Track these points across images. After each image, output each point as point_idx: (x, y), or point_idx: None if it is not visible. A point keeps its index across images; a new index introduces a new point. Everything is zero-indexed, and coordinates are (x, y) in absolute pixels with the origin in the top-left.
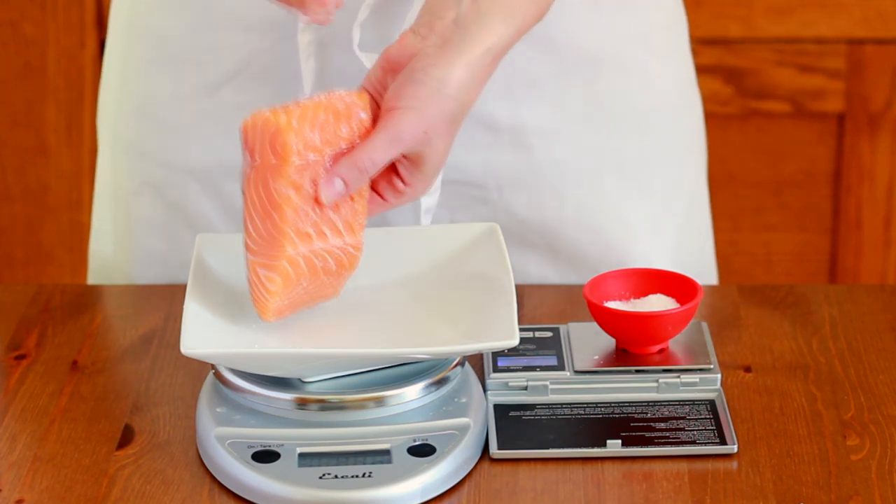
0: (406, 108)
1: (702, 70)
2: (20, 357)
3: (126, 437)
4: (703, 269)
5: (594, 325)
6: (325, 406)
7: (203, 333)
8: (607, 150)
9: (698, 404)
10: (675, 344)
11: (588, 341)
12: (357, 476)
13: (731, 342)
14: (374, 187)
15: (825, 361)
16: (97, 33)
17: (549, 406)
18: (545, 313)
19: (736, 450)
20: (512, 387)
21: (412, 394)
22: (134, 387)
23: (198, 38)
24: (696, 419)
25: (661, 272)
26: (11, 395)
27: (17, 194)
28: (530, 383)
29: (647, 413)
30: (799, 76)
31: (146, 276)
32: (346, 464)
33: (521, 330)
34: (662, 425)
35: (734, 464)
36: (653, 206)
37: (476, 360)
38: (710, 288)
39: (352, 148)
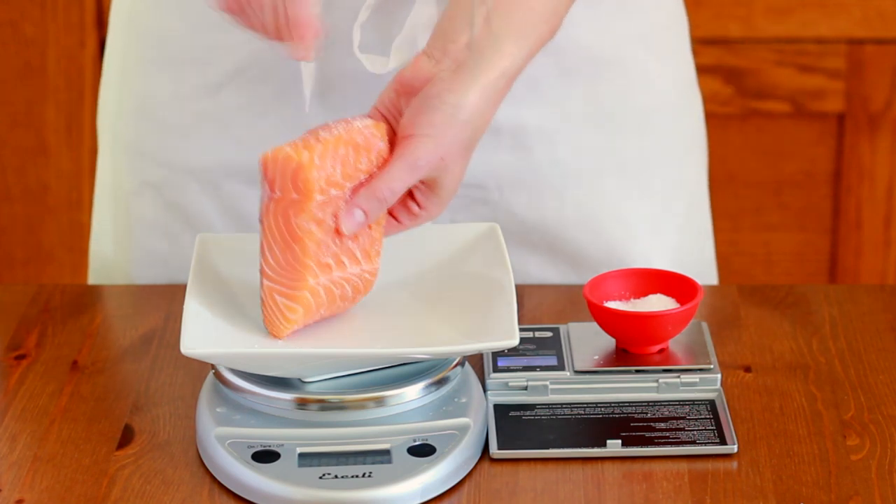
0: (422, 135)
1: (702, 70)
2: (20, 357)
3: (126, 437)
4: (704, 270)
5: (594, 325)
6: (325, 406)
7: (203, 333)
8: (607, 150)
9: (698, 404)
10: (675, 344)
11: (588, 341)
12: (357, 476)
13: (731, 342)
14: (389, 211)
15: (825, 361)
16: (97, 33)
17: (549, 406)
18: (545, 313)
19: (736, 450)
20: (512, 387)
21: (412, 394)
22: (134, 387)
23: (198, 38)
24: (696, 419)
25: (661, 272)
26: (11, 395)
27: (17, 194)
28: (530, 383)
29: (647, 413)
30: (799, 76)
31: (146, 276)
32: (346, 464)
33: (521, 330)
34: (662, 425)
35: (734, 464)
36: (653, 206)
37: (476, 360)
38: (710, 288)
39: (371, 178)
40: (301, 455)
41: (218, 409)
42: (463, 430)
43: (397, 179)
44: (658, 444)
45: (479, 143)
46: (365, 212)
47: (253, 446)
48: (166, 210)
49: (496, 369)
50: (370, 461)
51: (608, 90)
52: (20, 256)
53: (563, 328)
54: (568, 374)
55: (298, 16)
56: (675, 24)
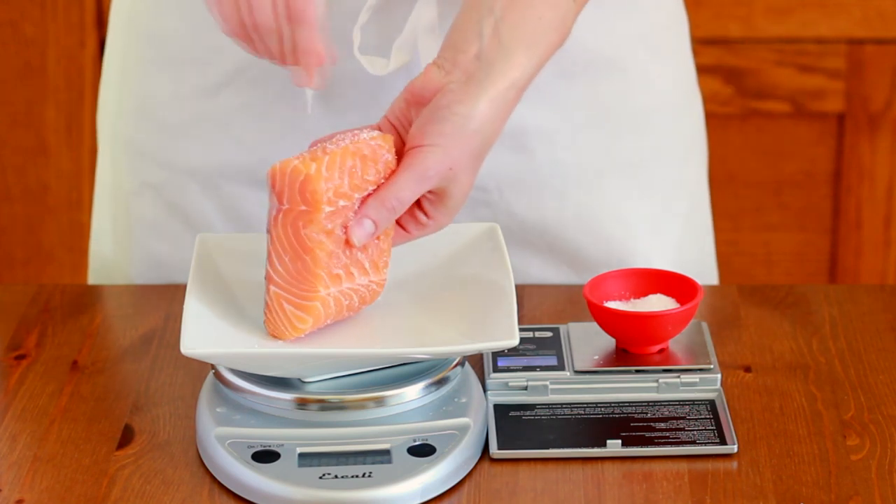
0: (431, 145)
1: (702, 70)
2: (20, 357)
3: (126, 437)
4: (704, 270)
5: (594, 325)
6: (325, 406)
7: (203, 333)
8: (608, 150)
9: (698, 404)
10: (675, 344)
11: (588, 341)
12: (357, 476)
13: (731, 342)
14: (397, 220)
15: (825, 361)
16: (97, 33)
17: (549, 406)
18: (545, 313)
19: (736, 450)
20: (512, 387)
21: (412, 394)
22: (134, 387)
23: (198, 39)
24: (696, 419)
25: (661, 272)
26: (11, 395)
27: (17, 194)
28: (530, 383)
29: (647, 413)
30: (799, 76)
31: (146, 277)
32: (346, 464)
33: (521, 330)
34: (662, 425)
35: (734, 464)
36: (653, 206)
37: (476, 360)
38: (710, 288)
39: (379, 189)
40: (301, 455)
41: (218, 409)
42: (463, 430)
43: (406, 189)
44: (658, 444)
45: None
46: (374, 221)
47: (253, 446)
48: (166, 210)
49: (496, 369)
50: (370, 461)
51: (609, 91)
52: (20, 256)
53: (563, 328)
54: (568, 374)
55: (303, 43)
56: (675, 24)
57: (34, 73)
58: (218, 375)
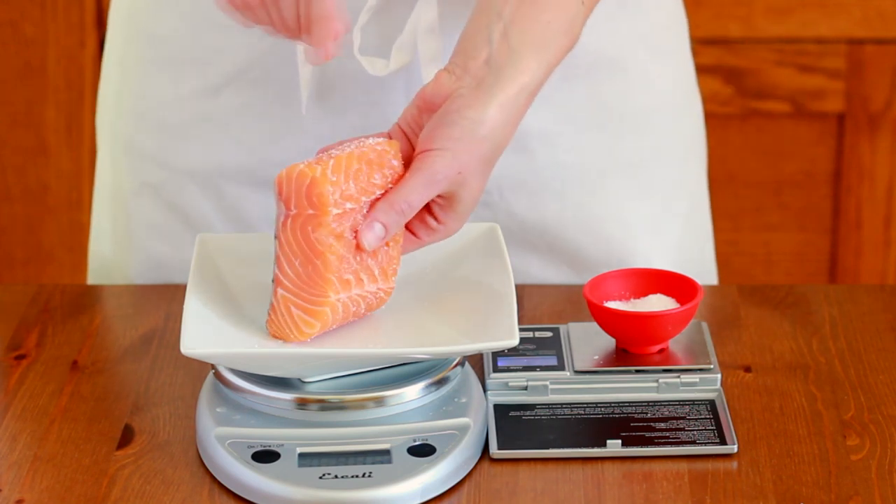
0: (441, 149)
1: (702, 70)
2: (20, 357)
3: (126, 437)
4: (704, 269)
5: (594, 325)
6: (325, 406)
7: (203, 333)
8: (608, 150)
9: (698, 404)
10: (675, 344)
11: (588, 341)
12: (357, 476)
13: (731, 342)
14: (407, 226)
15: (825, 361)
16: (97, 33)
17: (549, 406)
18: (545, 313)
19: (736, 450)
20: (512, 387)
21: (412, 394)
22: (134, 387)
23: (198, 39)
24: (696, 419)
25: (661, 272)
26: (11, 395)
27: (17, 194)
28: (530, 383)
29: (647, 413)
30: (799, 76)
31: (146, 277)
32: (346, 464)
33: (521, 330)
34: (662, 425)
35: (734, 464)
36: (653, 206)
37: (476, 360)
38: (710, 288)
39: (386, 194)
40: (301, 455)
41: (218, 409)
42: (463, 430)
43: (415, 193)
44: (658, 444)
45: None
46: (384, 225)
47: (253, 446)
48: (166, 210)
49: (496, 369)
50: (370, 461)
51: (609, 91)
52: (20, 256)
53: (563, 328)
54: (568, 374)
55: (318, 10)
56: (675, 24)
57: (34, 73)
58: (218, 375)
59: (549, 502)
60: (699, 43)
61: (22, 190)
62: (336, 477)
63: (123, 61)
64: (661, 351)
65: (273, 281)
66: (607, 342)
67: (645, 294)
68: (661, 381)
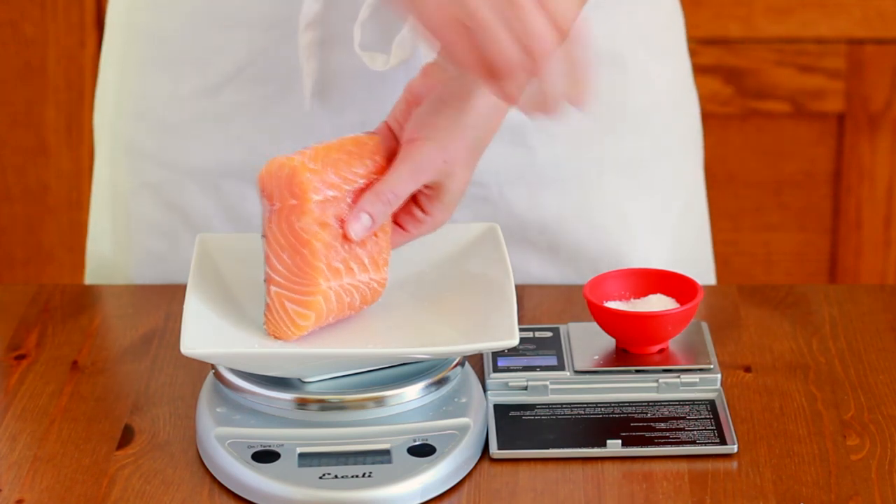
0: (426, 139)
1: (702, 70)
2: (20, 357)
3: (126, 437)
4: (701, 268)
5: (594, 325)
6: (325, 406)
7: (203, 333)
8: (608, 148)
9: (698, 404)
10: (675, 344)
11: (588, 341)
12: (357, 476)
13: (731, 342)
14: (394, 219)
15: (825, 361)
16: (97, 33)
17: (549, 406)
18: (545, 313)
19: (736, 450)
20: (512, 387)
21: (412, 394)
22: (134, 387)
23: (198, 38)
24: (696, 419)
25: (661, 272)
26: (11, 395)
27: (17, 194)
28: (530, 383)
29: (647, 413)
30: (799, 76)
31: (146, 277)
32: (346, 464)
33: (521, 330)
34: (662, 425)
35: (734, 464)
36: (652, 204)
37: (476, 360)
38: (710, 288)
39: (369, 185)
40: (301, 455)
41: (218, 409)
42: (463, 430)
43: (401, 182)
44: (658, 444)
45: None
46: (371, 215)
47: (253, 446)
48: (166, 210)
49: (496, 369)
50: (370, 461)
51: (609, 89)
52: (20, 256)
53: (563, 328)
54: (568, 374)
55: (558, 18)
56: (673, 23)
57: (34, 73)
58: (218, 375)
59: (549, 502)
60: (699, 43)
61: (22, 190)
62: (336, 477)
63: (122, 61)
64: (661, 351)
65: (265, 281)
66: (607, 342)
67: (645, 294)
68: (661, 381)
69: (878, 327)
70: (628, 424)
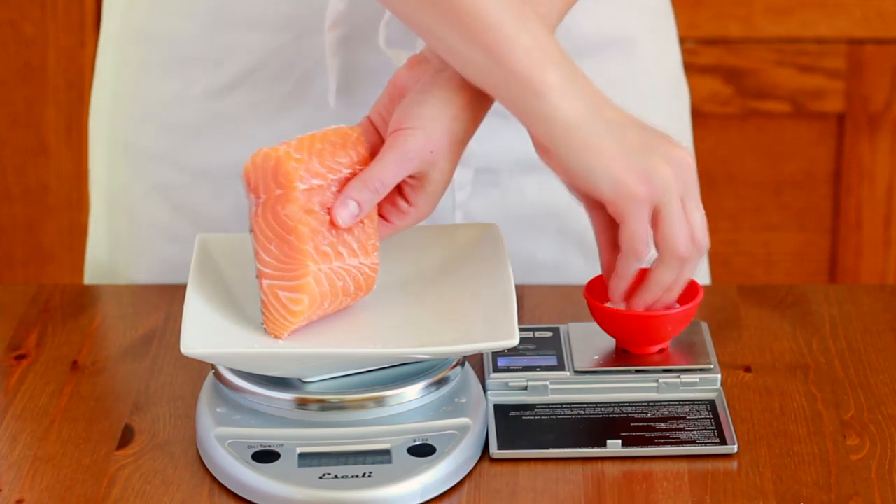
0: (413, 128)
1: (702, 70)
2: (20, 357)
3: (126, 437)
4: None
5: (594, 325)
6: (325, 406)
7: (203, 333)
8: None
9: (698, 404)
10: (675, 344)
11: (588, 341)
12: (357, 476)
13: (731, 342)
14: (379, 211)
15: (825, 361)
16: (97, 33)
17: (549, 406)
18: (545, 313)
19: (736, 450)
20: (512, 387)
21: (412, 394)
22: (134, 387)
23: (210, 39)
24: (696, 419)
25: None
26: (11, 395)
27: (17, 194)
28: (530, 383)
29: (647, 413)
30: (799, 76)
31: (156, 280)
32: (346, 464)
33: (521, 330)
34: (662, 425)
35: (734, 464)
36: None
37: (476, 360)
38: (710, 288)
39: (353, 175)
40: (301, 455)
41: (218, 409)
42: (463, 430)
43: (388, 170)
44: (658, 444)
45: (489, 127)
46: (358, 202)
47: (253, 446)
48: (176, 212)
49: (496, 369)
50: (370, 461)
51: (613, 73)
52: (20, 256)
53: (563, 328)
54: (568, 374)
55: None
56: (666, 9)
57: (34, 73)
58: (218, 375)
59: (549, 502)
60: (699, 43)
61: (22, 190)
62: (336, 477)
63: (123, 64)
64: (661, 351)
65: (257, 277)
66: (607, 342)
67: None
68: (661, 381)
69: (878, 327)
70: (628, 424)
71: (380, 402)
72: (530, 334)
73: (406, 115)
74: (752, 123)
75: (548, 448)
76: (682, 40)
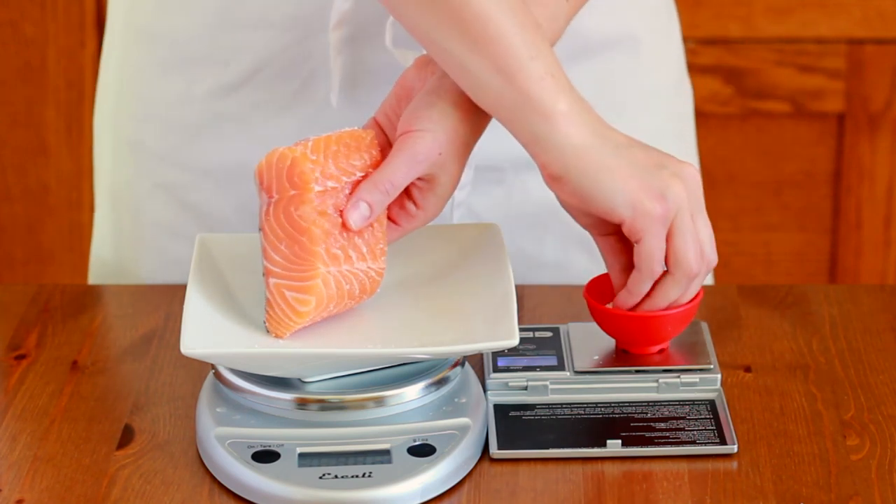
0: (422, 130)
1: (702, 70)
2: (20, 357)
3: (126, 437)
4: None
5: (594, 325)
6: (325, 406)
7: (203, 333)
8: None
9: (698, 404)
10: (675, 344)
11: (588, 341)
12: (357, 476)
13: (731, 342)
14: (387, 214)
15: (825, 361)
16: (97, 33)
17: (549, 406)
18: (545, 313)
19: (736, 450)
20: (512, 387)
21: (412, 394)
22: (134, 387)
23: (215, 38)
24: (696, 419)
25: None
26: (11, 395)
27: (17, 194)
28: (530, 383)
29: (647, 413)
30: (799, 76)
31: (161, 279)
32: (346, 464)
33: (521, 330)
34: (662, 425)
35: (734, 464)
36: None
37: (476, 360)
38: (710, 288)
39: (366, 178)
40: (301, 455)
41: (218, 409)
42: (463, 430)
43: (399, 172)
44: (658, 444)
45: (494, 126)
46: (369, 204)
47: (253, 446)
48: (181, 211)
49: (496, 369)
50: (370, 461)
51: (616, 71)
52: (20, 256)
53: (563, 328)
54: (568, 374)
55: None
56: (668, 7)
57: (34, 73)
58: (218, 375)
59: (549, 502)
60: (699, 43)
61: (22, 190)
62: (336, 477)
63: (128, 64)
64: (661, 351)
65: (264, 275)
66: (607, 342)
67: None
68: (661, 381)
69: (878, 327)
70: (628, 424)
71: (380, 402)
72: (530, 334)
73: (414, 117)
74: (752, 123)
75: (548, 448)
76: (683, 40)
